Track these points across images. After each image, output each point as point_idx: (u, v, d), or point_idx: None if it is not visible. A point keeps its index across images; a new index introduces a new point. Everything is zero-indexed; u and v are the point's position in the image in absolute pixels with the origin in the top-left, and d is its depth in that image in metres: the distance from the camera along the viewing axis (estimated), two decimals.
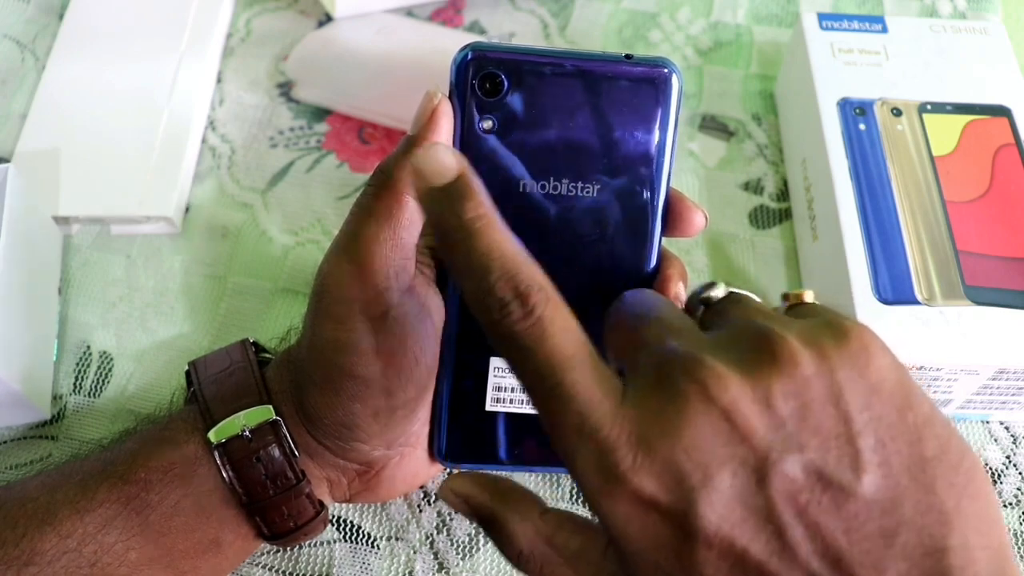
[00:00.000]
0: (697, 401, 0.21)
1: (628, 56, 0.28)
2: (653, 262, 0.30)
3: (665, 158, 0.29)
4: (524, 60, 0.27)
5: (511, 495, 0.24)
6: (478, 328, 0.30)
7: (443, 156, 0.23)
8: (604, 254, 0.29)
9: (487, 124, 0.28)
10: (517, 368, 0.22)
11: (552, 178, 0.28)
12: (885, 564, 0.20)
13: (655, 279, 0.29)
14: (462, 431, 0.32)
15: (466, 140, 0.28)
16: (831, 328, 0.22)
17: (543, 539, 0.23)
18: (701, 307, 0.26)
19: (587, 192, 0.29)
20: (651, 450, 0.20)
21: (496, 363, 0.31)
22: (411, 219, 0.27)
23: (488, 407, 0.32)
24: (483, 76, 0.27)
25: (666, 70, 0.28)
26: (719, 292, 0.26)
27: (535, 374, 0.22)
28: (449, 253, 0.23)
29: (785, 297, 0.26)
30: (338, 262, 0.28)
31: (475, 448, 0.33)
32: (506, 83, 0.27)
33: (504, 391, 0.32)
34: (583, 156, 0.28)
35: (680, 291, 0.29)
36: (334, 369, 0.28)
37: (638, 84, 0.28)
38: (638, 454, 0.20)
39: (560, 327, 0.22)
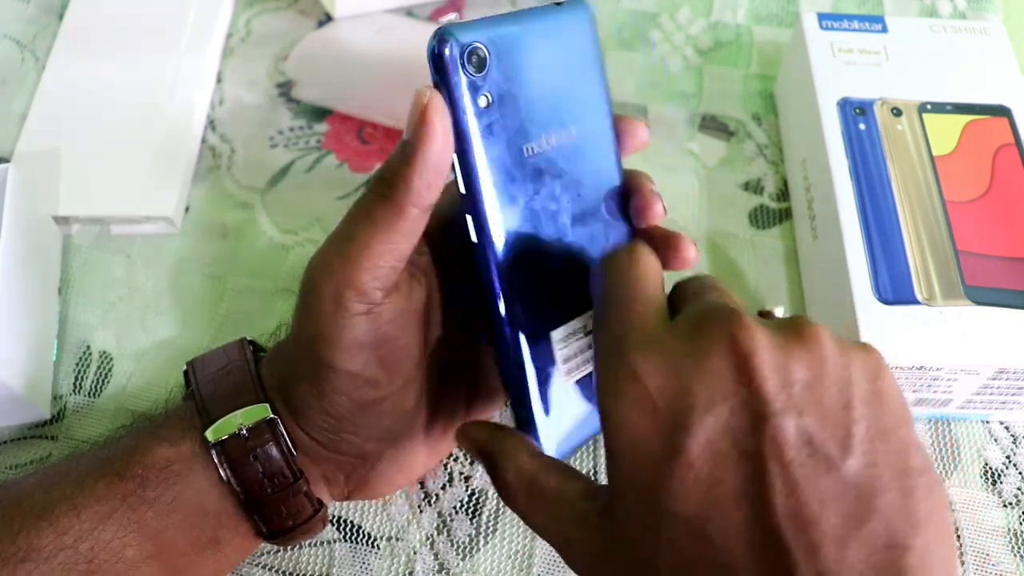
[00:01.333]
0: (722, 340, 0.23)
1: (558, 3, 0.29)
2: (620, 177, 0.31)
3: (605, 84, 0.30)
4: (490, 28, 0.28)
5: (507, 437, 0.28)
6: (535, 310, 0.30)
7: None
8: (590, 183, 0.31)
9: (483, 101, 0.27)
10: (611, 293, 0.26)
11: (543, 134, 0.29)
12: (848, 543, 0.21)
13: (623, 188, 0.32)
14: (556, 420, 0.31)
15: (471, 123, 0.27)
16: (855, 341, 0.25)
17: (527, 476, 0.26)
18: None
19: (568, 137, 0.30)
20: (668, 362, 0.23)
21: (557, 335, 0.31)
22: (410, 228, 0.27)
23: (564, 382, 0.31)
24: (469, 53, 0.27)
25: (581, 4, 0.30)
26: (779, 312, 0.29)
27: (621, 298, 0.26)
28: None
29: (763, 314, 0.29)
30: (329, 261, 0.28)
31: (572, 429, 0.32)
32: (488, 55, 0.27)
33: (571, 360, 0.31)
34: (556, 104, 0.29)
35: (652, 185, 0.31)
36: (319, 363, 0.29)
37: (569, 24, 0.29)
38: (655, 360, 0.23)
39: (651, 270, 0.27)
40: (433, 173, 0.27)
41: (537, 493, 0.26)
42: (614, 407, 0.23)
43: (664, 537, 0.22)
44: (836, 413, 0.22)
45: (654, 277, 0.27)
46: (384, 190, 0.27)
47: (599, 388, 0.24)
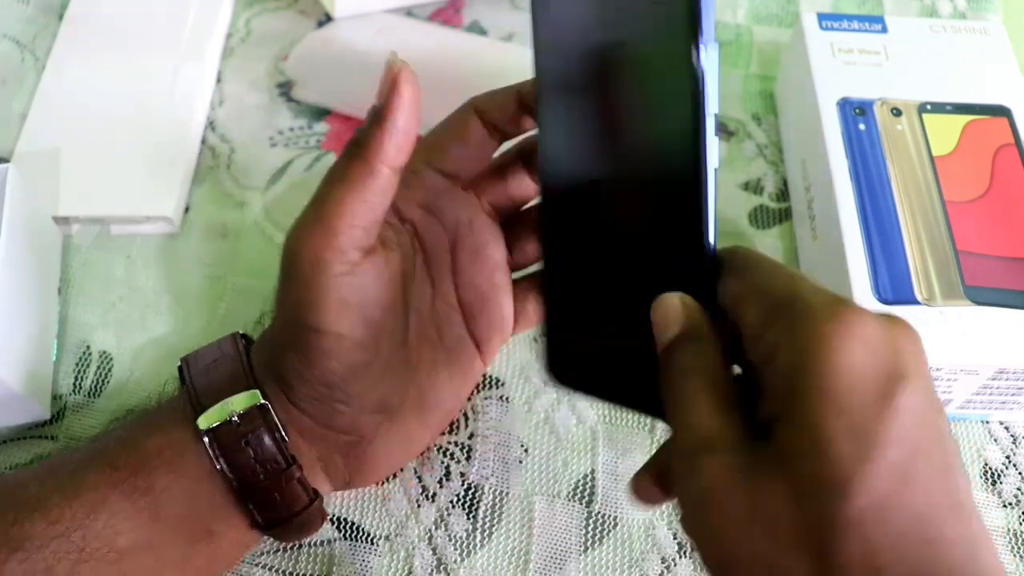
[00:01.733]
0: (902, 325, 0.23)
1: None
2: None
3: None
4: None
5: (713, 350, 0.25)
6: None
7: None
8: None
9: None
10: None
11: None
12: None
13: None
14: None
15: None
16: None
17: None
18: None
19: None
20: (873, 320, 0.22)
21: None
22: (382, 187, 0.29)
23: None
24: None
25: None
26: None
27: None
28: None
29: None
30: (305, 225, 0.29)
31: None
32: None
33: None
34: None
35: None
36: (303, 328, 0.29)
37: None
38: (863, 315, 0.22)
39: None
40: (403, 135, 0.28)
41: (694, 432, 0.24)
42: (840, 336, 0.21)
43: (873, 479, 0.20)
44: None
45: None
46: (356, 151, 0.28)
47: (806, 314, 0.22)
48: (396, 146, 0.28)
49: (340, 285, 0.28)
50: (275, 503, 0.30)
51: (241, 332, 0.34)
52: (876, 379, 0.21)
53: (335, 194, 0.28)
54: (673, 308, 0.26)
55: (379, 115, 0.28)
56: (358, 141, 0.29)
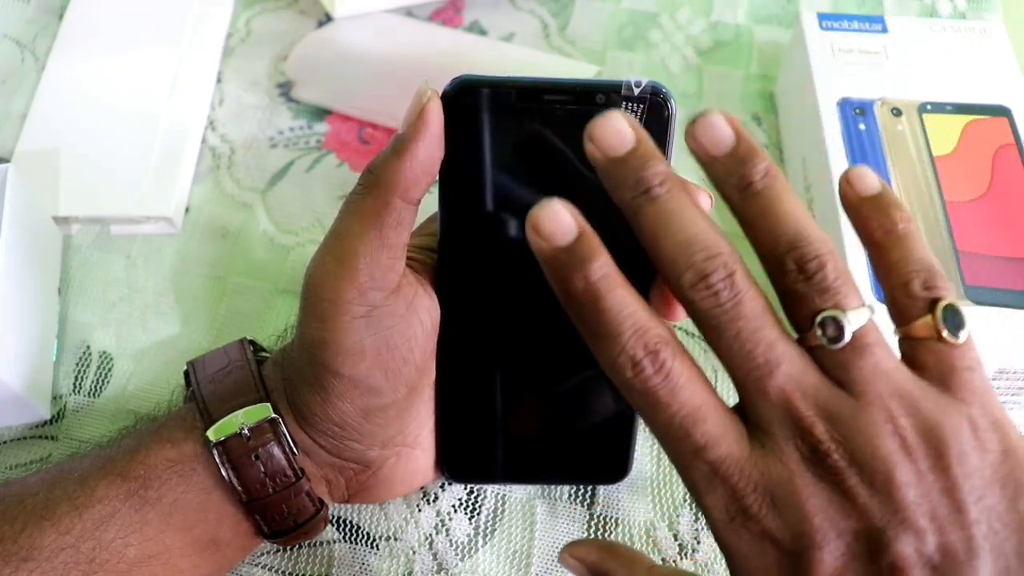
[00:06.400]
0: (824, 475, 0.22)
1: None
2: None
3: None
4: None
5: (622, 555, 0.26)
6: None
7: (561, 216, 0.23)
8: None
9: None
10: (651, 420, 0.23)
11: None
12: None
13: None
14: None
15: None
16: (952, 415, 0.23)
17: None
18: (818, 330, 0.23)
19: None
20: (776, 504, 0.22)
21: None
22: (399, 220, 0.27)
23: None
24: None
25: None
26: (845, 337, 0.23)
27: (668, 427, 0.23)
28: (577, 315, 0.24)
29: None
30: (324, 261, 0.28)
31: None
32: None
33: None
34: None
35: None
36: (320, 368, 0.29)
37: None
38: (764, 504, 0.22)
39: (687, 378, 0.23)
40: (423, 169, 0.27)
41: None
42: (737, 542, 0.23)
43: None
44: (953, 520, 0.22)
45: (697, 376, 0.23)
46: (370, 181, 0.27)
47: (711, 521, 0.23)
48: (415, 179, 0.27)
49: (358, 328, 0.28)
50: (283, 514, 0.30)
51: (249, 338, 0.34)
52: (785, 570, 0.22)
53: (351, 231, 0.27)
54: None
55: (401, 144, 0.27)
56: (373, 172, 0.27)
